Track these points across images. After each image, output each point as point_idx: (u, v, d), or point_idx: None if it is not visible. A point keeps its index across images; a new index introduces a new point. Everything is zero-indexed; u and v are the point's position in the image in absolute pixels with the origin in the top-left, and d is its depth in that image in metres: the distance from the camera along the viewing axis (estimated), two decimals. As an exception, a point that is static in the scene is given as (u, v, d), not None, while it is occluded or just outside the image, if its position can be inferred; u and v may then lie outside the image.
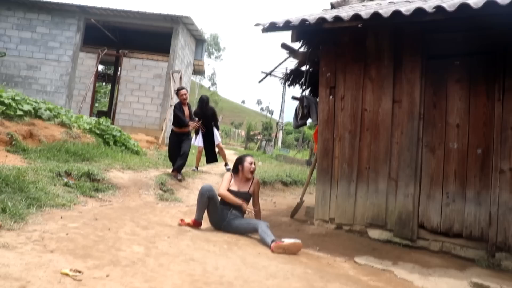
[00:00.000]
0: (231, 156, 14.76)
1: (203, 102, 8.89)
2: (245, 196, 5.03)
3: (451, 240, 4.56)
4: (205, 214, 4.89)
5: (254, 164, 5.20)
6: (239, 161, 5.20)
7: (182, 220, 4.89)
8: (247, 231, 4.81)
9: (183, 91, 7.89)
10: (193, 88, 45.10)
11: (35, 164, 5.93)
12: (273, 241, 4.32)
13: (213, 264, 3.46)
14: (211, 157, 9.09)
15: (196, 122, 7.92)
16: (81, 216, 4.45)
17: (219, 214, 4.87)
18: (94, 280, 2.72)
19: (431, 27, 4.69)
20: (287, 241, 4.57)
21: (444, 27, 4.61)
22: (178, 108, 7.76)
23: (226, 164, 9.36)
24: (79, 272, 2.77)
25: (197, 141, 8.99)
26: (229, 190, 4.99)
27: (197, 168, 8.97)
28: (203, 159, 9.28)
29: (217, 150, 9.21)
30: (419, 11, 4.09)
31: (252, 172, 5.15)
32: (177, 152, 7.66)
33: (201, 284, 2.97)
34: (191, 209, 6.04)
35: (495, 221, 4.29)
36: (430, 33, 4.78)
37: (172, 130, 7.93)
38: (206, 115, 8.75)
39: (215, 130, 9.07)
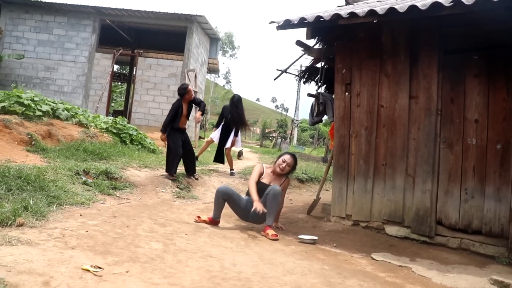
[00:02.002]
0: (247, 154, 14.83)
1: (239, 102, 8.56)
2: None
3: (470, 236, 4.51)
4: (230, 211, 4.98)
5: (288, 166, 5.12)
6: (278, 156, 5.28)
7: (198, 217, 4.93)
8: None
9: (190, 89, 7.36)
10: (208, 87, 45.26)
11: (54, 163, 6.03)
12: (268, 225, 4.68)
13: (230, 261, 3.48)
14: (220, 158, 8.86)
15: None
16: (100, 213, 4.51)
17: (245, 206, 4.90)
18: (114, 276, 2.76)
19: (448, 21, 4.63)
20: (303, 237, 4.60)
21: (461, 21, 4.54)
22: (177, 107, 7.21)
23: (231, 170, 8.81)
24: (100, 268, 2.82)
25: (215, 134, 8.77)
26: (260, 181, 5.01)
27: (197, 157, 8.70)
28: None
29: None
30: (435, 5, 4.04)
31: (282, 170, 5.09)
32: (181, 148, 7.10)
33: (219, 280, 2.99)
34: (208, 207, 6.08)
35: (515, 217, 4.23)
36: (447, 27, 4.73)
37: (171, 127, 7.20)
38: (238, 115, 8.48)
39: (237, 134, 8.72)
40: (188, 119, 7.53)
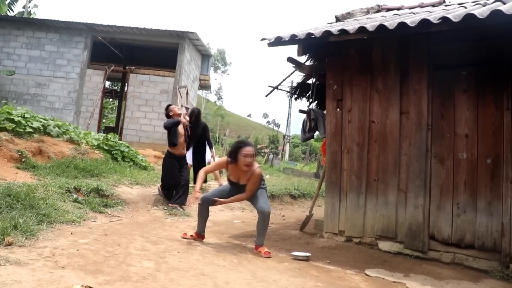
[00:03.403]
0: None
1: (193, 115, 8.01)
2: (243, 188, 4.76)
3: (463, 251, 4.52)
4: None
5: (252, 156, 4.58)
6: (235, 151, 4.61)
7: (185, 234, 4.92)
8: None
9: (184, 115, 7.14)
10: (200, 103, 45.31)
11: (45, 180, 5.97)
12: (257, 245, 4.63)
13: (223, 279, 3.45)
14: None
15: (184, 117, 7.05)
16: (91, 232, 4.46)
17: (228, 193, 4.88)
18: (105, 296, 2.71)
19: (437, 38, 4.71)
20: (297, 254, 4.57)
21: (450, 37, 4.62)
22: (171, 122, 6.82)
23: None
24: (91, 288, 2.77)
25: (188, 157, 7.88)
26: (229, 180, 4.88)
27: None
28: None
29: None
30: (424, 22, 4.11)
31: (249, 165, 4.57)
32: (177, 179, 6.69)
33: (212, 299, 2.95)
34: (200, 224, 6.04)
35: (507, 231, 4.25)
36: (436, 43, 4.80)
37: (169, 152, 6.86)
38: (197, 131, 7.96)
39: (207, 148, 8.27)
40: (186, 142, 7.04)
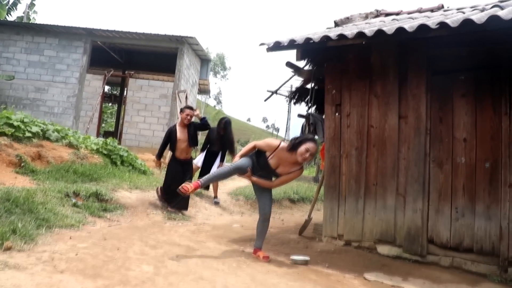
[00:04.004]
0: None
1: (228, 125, 7.96)
2: (272, 175, 4.56)
3: (462, 255, 4.52)
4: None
5: (311, 155, 4.33)
6: (300, 141, 4.35)
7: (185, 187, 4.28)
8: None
9: (188, 111, 6.81)
10: (199, 107, 45.34)
11: (44, 185, 5.97)
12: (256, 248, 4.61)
13: (222, 283, 3.45)
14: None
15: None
16: (90, 236, 4.46)
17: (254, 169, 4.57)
18: (104, 300, 2.71)
19: (436, 43, 4.73)
20: (295, 258, 4.57)
21: (448, 42, 4.65)
22: (168, 132, 6.91)
23: (215, 197, 8.21)
24: (90, 292, 2.77)
25: (198, 159, 8.12)
26: (263, 159, 4.47)
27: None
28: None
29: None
30: (422, 27, 4.14)
31: (304, 160, 4.36)
32: (178, 184, 6.73)
33: (211, 303, 2.96)
34: (199, 228, 6.04)
35: (506, 235, 4.26)
36: (435, 48, 4.83)
37: (173, 156, 6.90)
38: (228, 140, 7.99)
39: (223, 160, 8.17)
40: (191, 147, 6.89)
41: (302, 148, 4.28)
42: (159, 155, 7.04)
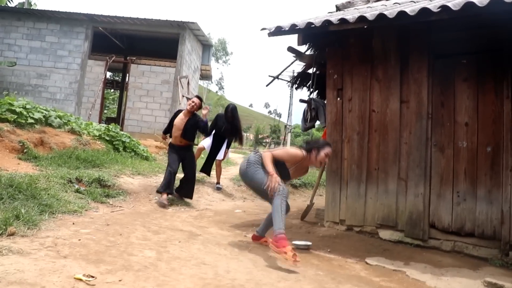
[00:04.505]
0: (239, 160, 14.80)
1: (234, 111, 7.90)
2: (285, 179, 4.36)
3: (463, 239, 4.54)
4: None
5: (329, 158, 4.47)
6: (319, 147, 4.38)
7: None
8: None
9: (195, 99, 6.67)
10: (201, 93, 45.20)
11: (47, 171, 6.00)
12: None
13: (224, 268, 3.48)
14: (207, 168, 8.20)
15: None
16: (93, 222, 4.49)
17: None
18: (107, 285, 2.74)
19: (437, 26, 4.68)
20: (297, 243, 4.59)
21: (450, 26, 4.60)
22: (174, 114, 6.86)
23: (217, 183, 8.21)
24: (92, 277, 2.80)
25: (207, 141, 8.05)
26: (287, 169, 4.38)
27: None
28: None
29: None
30: (424, 11, 4.09)
31: (321, 165, 4.50)
32: (173, 167, 6.42)
33: (213, 287, 2.98)
34: (201, 213, 6.09)
35: (507, 219, 4.26)
36: (436, 32, 4.78)
37: (170, 142, 6.80)
38: (238, 129, 8.00)
39: (229, 146, 8.26)
40: (187, 139, 6.65)
41: (323, 154, 4.36)
42: (165, 131, 7.05)
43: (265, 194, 4.19)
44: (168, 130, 6.93)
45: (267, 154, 4.27)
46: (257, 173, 4.21)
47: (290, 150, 4.45)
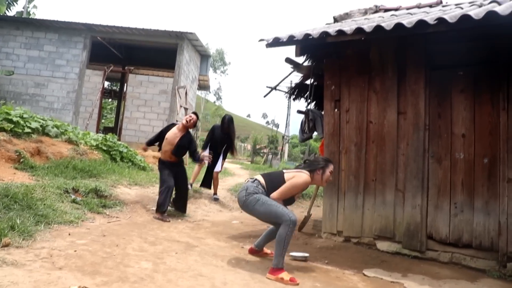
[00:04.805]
0: (237, 170, 14.79)
1: (231, 122, 7.92)
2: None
3: (461, 250, 4.53)
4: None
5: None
6: (324, 167, 4.25)
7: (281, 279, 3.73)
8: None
9: (193, 115, 6.53)
10: (199, 103, 45.31)
11: (43, 181, 5.97)
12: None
13: (221, 279, 3.45)
14: (207, 182, 8.13)
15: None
16: (89, 232, 4.46)
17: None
18: (102, 297, 2.72)
19: (434, 38, 4.72)
20: (295, 254, 4.57)
21: (446, 38, 4.63)
22: (166, 126, 6.70)
23: (215, 194, 8.14)
24: (88, 289, 2.78)
25: (217, 167, 8.03)
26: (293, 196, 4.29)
27: (191, 185, 7.85)
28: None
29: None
30: (421, 23, 4.12)
31: (326, 183, 4.39)
32: (167, 183, 6.15)
33: (210, 299, 2.96)
34: (198, 224, 6.05)
35: (504, 230, 4.26)
36: (433, 44, 4.81)
37: (160, 158, 6.53)
38: (229, 137, 7.98)
39: (225, 157, 8.25)
40: (176, 156, 6.39)
41: (328, 173, 4.23)
42: (149, 142, 6.69)
43: (268, 220, 4.17)
44: (154, 141, 6.67)
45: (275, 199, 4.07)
46: (257, 204, 4.02)
47: (296, 181, 4.10)
